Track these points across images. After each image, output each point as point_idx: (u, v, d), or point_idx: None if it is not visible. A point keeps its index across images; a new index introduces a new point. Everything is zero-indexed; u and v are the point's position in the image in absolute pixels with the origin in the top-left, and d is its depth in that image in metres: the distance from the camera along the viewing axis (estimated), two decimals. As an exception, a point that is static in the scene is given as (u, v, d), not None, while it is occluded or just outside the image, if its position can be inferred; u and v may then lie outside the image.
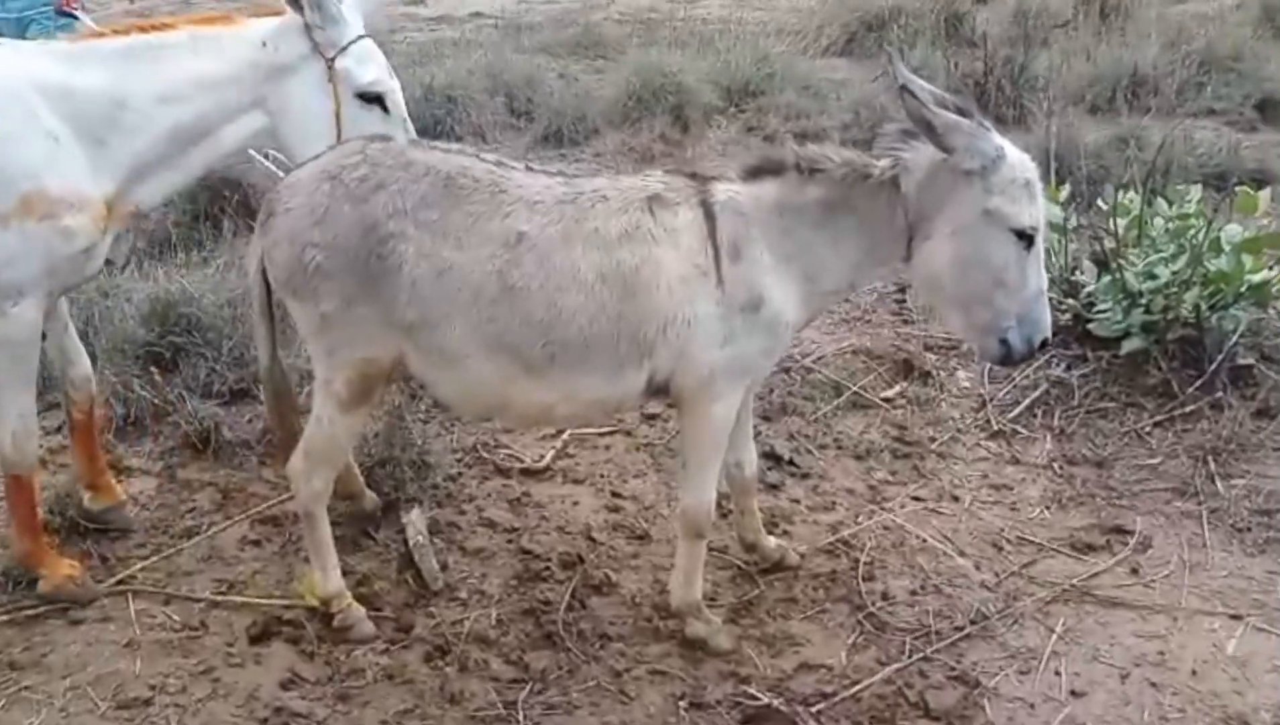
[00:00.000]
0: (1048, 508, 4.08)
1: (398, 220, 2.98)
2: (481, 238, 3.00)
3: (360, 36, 3.47)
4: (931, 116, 2.93)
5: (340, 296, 3.03)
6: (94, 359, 4.56)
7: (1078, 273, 5.05)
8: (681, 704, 3.19)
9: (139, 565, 3.70)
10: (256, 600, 3.54)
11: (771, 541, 3.73)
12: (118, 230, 3.44)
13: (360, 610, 3.41)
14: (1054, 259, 5.18)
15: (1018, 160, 3.01)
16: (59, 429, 3.95)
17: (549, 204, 3.05)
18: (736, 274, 3.04)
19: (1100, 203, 5.29)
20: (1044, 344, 3.17)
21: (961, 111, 3.01)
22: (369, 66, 3.46)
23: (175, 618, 3.49)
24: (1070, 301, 5.00)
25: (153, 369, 4.51)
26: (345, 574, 3.57)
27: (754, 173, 3.16)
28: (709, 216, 3.07)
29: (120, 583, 3.61)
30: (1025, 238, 3.01)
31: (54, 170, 3.17)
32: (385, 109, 3.49)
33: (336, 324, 3.07)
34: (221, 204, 6.08)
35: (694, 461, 3.28)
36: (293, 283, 3.09)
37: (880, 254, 3.21)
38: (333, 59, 3.41)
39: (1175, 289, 4.62)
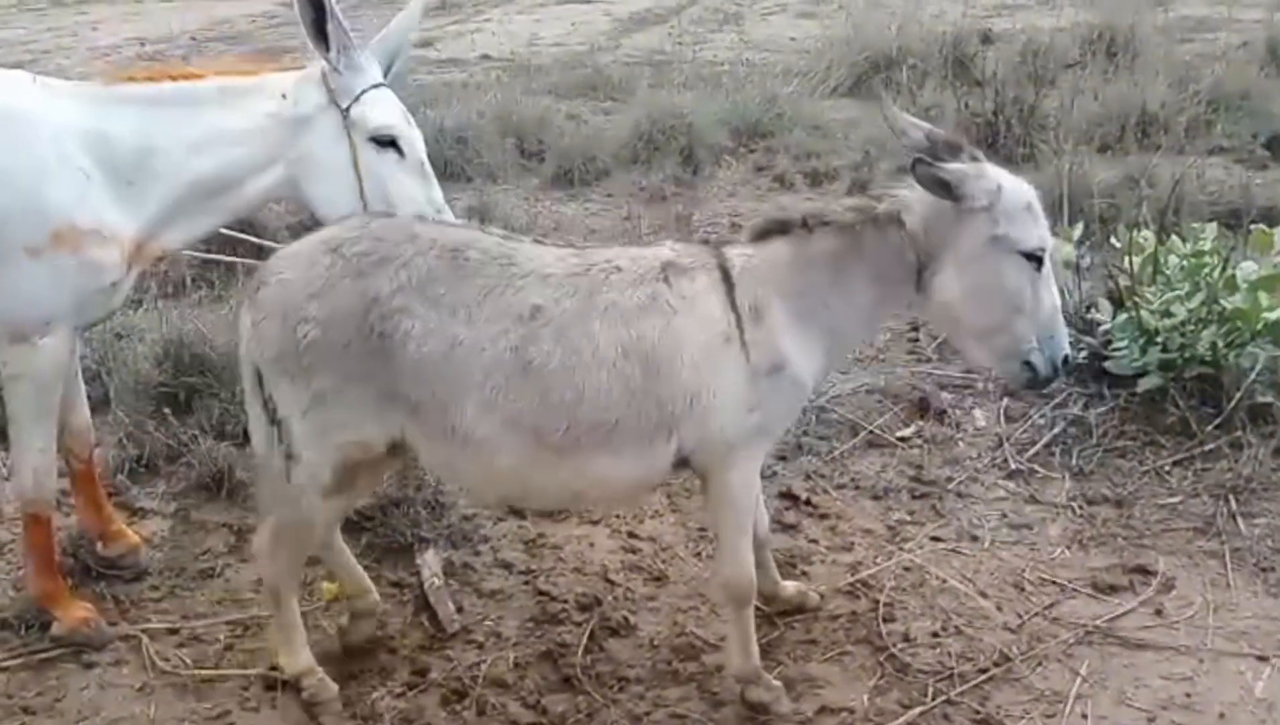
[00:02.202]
0: (1068, 547, 4.04)
1: (402, 295, 2.86)
2: (493, 312, 2.89)
3: (376, 85, 3.44)
4: (946, 176, 2.93)
5: (336, 374, 2.89)
6: (107, 400, 4.60)
7: (1093, 311, 5.04)
8: (702, 748, 3.15)
9: (153, 609, 3.67)
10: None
11: (790, 587, 3.69)
12: (141, 268, 3.45)
13: (332, 688, 3.25)
14: (1069, 297, 5.18)
15: (1014, 185, 3.03)
16: (67, 472, 3.93)
17: (561, 276, 2.95)
18: (759, 337, 2.99)
19: (1113, 241, 5.28)
20: (1065, 360, 3.16)
21: (953, 147, 3.04)
22: (380, 110, 3.41)
23: (189, 661, 3.45)
24: (1086, 339, 4.99)
25: (166, 410, 4.50)
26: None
27: (762, 234, 3.13)
28: (727, 282, 3.02)
29: (135, 625, 3.58)
30: (1035, 259, 3.01)
31: (84, 206, 3.20)
32: (401, 152, 3.44)
33: (330, 404, 2.92)
34: (235, 245, 6.08)
35: (727, 532, 3.18)
36: (283, 360, 2.93)
37: (893, 295, 3.19)
38: (348, 107, 3.38)
39: (1192, 327, 4.60)
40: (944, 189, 2.95)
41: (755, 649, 3.26)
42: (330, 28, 3.33)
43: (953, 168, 2.96)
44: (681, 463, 3.08)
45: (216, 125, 3.34)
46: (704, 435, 3.00)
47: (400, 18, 3.63)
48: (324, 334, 2.87)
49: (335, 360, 2.88)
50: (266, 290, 2.96)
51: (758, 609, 3.65)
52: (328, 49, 3.35)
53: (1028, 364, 3.10)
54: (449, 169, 7.90)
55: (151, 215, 3.32)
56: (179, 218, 3.38)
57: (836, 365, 4.30)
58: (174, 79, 3.40)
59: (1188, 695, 3.33)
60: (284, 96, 3.39)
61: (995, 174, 3.03)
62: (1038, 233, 3.02)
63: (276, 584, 3.19)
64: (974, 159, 3.04)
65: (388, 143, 3.41)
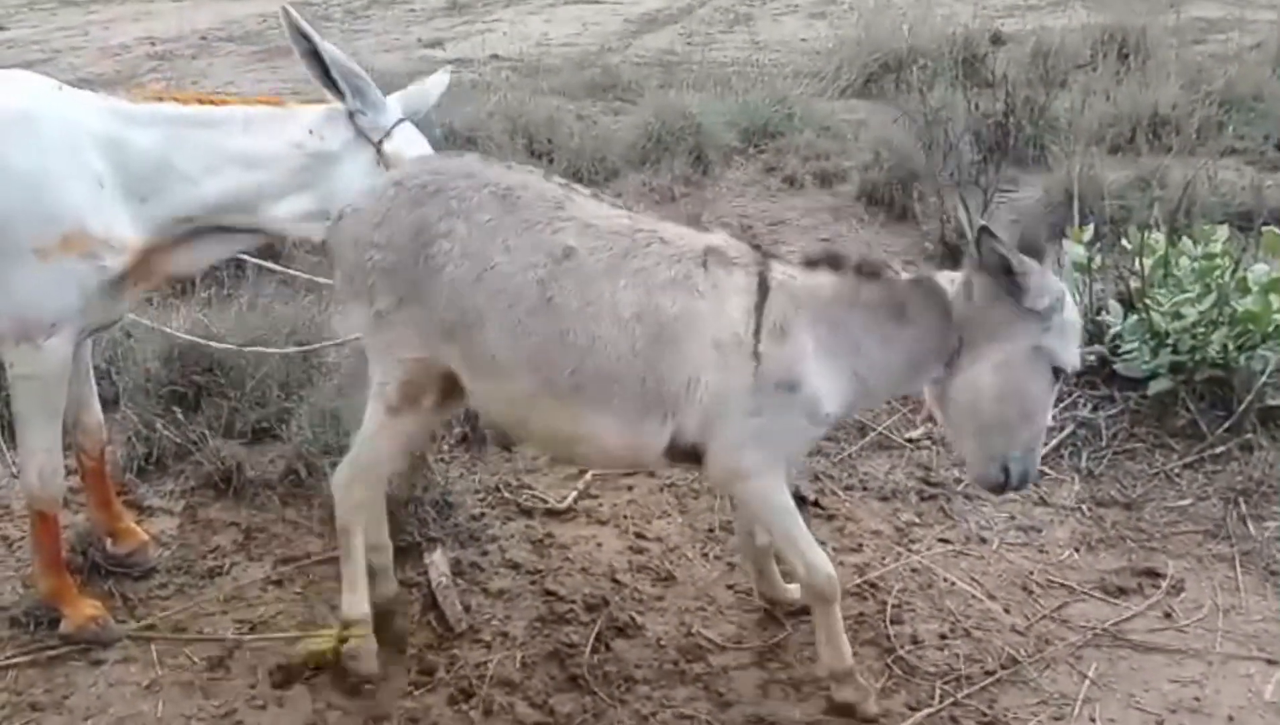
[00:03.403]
0: (1077, 550, 4.03)
1: (448, 220, 3.03)
2: (530, 244, 2.99)
3: (401, 120, 3.50)
4: (1013, 261, 2.91)
5: (393, 295, 3.10)
6: (116, 399, 4.62)
7: (1103, 313, 5.02)
8: (709, 749, 3.14)
9: (161, 607, 3.68)
10: (281, 634, 3.52)
11: (794, 589, 3.65)
12: (150, 286, 3.47)
13: (373, 645, 3.34)
14: (1079, 299, 5.16)
15: (1071, 304, 3.05)
16: (78, 469, 3.95)
17: (603, 230, 3.03)
18: (777, 353, 2.98)
19: (1124, 242, 5.27)
20: (1031, 478, 3.21)
21: (1034, 245, 3.02)
22: (416, 146, 3.48)
23: (197, 659, 3.45)
24: (1096, 342, 4.97)
25: (175, 408, 4.51)
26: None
27: (814, 263, 3.13)
28: (762, 289, 3.02)
29: (142, 623, 3.59)
30: (1058, 375, 3.05)
31: (97, 212, 3.21)
32: None
33: (390, 323, 3.13)
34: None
35: (779, 540, 3.18)
36: (354, 283, 3.18)
37: (925, 368, 3.16)
38: (379, 142, 3.44)
39: (1202, 329, 4.59)
40: (1004, 272, 2.92)
41: (847, 647, 3.22)
42: (334, 75, 3.39)
43: (1023, 259, 2.94)
44: (686, 456, 3.08)
45: (236, 148, 3.36)
46: (706, 426, 3.01)
47: (428, 81, 3.73)
48: (383, 257, 3.09)
49: (391, 281, 3.09)
50: (343, 221, 3.21)
51: (766, 609, 3.67)
52: (341, 94, 3.41)
53: (1005, 469, 3.11)
54: (458, 169, 7.91)
55: (163, 232, 3.34)
56: (191, 239, 3.41)
57: (859, 410, 4.17)
58: (201, 102, 3.43)
59: (1196, 699, 3.32)
60: (310, 131, 3.41)
61: (1060, 286, 3.03)
62: (1073, 352, 3.05)
63: (348, 522, 3.31)
64: (1046, 260, 3.04)
65: None
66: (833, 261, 3.12)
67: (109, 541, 3.82)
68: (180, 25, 15.17)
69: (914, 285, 3.11)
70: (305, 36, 3.39)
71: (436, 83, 3.74)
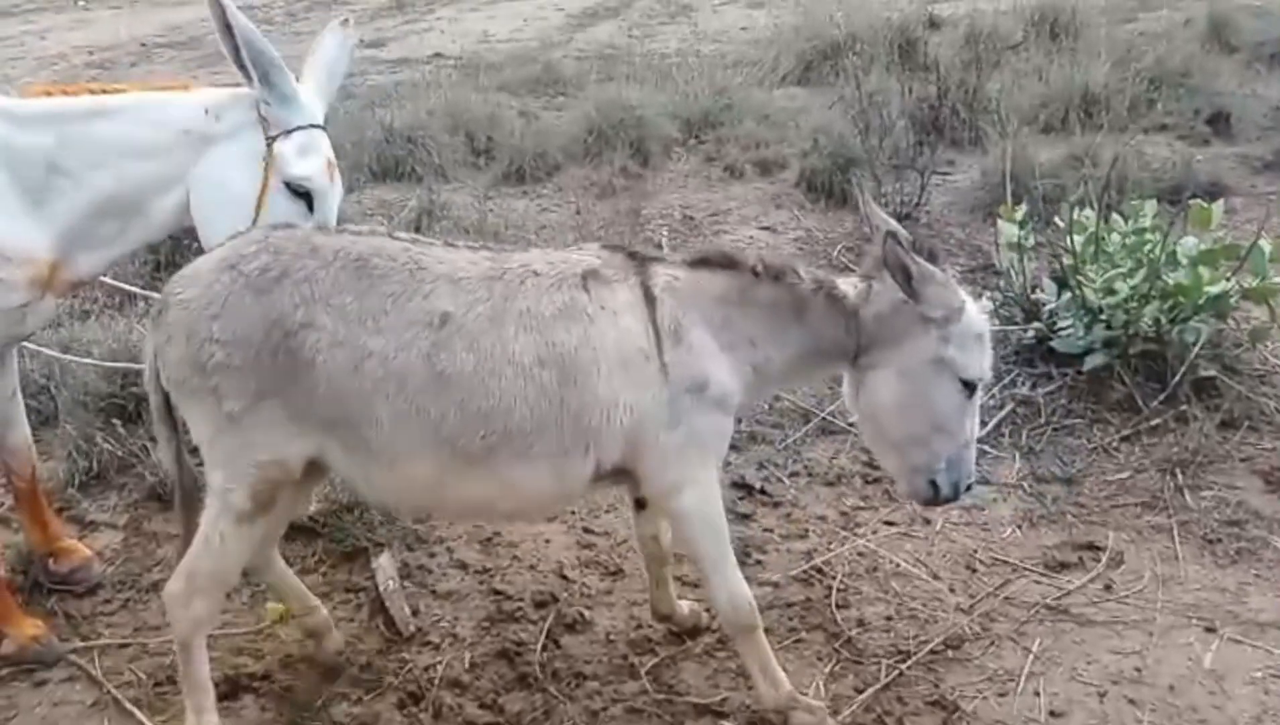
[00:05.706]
0: (1019, 527, 4.09)
1: (306, 309, 2.76)
2: (402, 320, 2.78)
3: (314, 125, 3.22)
4: (911, 265, 2.89)
5: (246, 394, 2.78)
6: (55, 414, 4.56)
7: (1038, 291, 5.09)
8: (659, 741, 3.16)
9: (106, 623, 3.64)
10: (228, 644, 3.48)
11: (684, 607, 3.57)
12: (59, 296, 3.30)
13: None
14: (1014, 278, 5.23)
15: (975, 313, 3.01)
16: (10, 490, 3.89)
17: (474, 280, 2.86)
18: (679, 357, 2.91)
19: (1057, 221, 5.34)
20: (968, 488, 3.14)
21: (931, 253, 3.00)
22: (309, 160, 3.19)
23: (143, 674, 3.43)
24: (1033, 321, 5.03)
25: (115, 421, 4.47)
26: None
27: (702, 262, 3.07)
28: (649, 298, 2.94)
29: (87, 640, 3.55)
30: (969, 387, 3.01)
31: None
32: (310, 208, 3.22)
33: (242, 425, 2.81)
34: (183, 252, 6.04)
35: (703, 559, 3.05)
36: (190, 382, 2.82)
37: (825, 363, 3.19)
38: (274, 138, 3.16)
39: (1135, 303, 4.66)
40: (905, 278, 2.91)
41: (781, 675, 3.14)
42: (244, 57, 3.11)
43: (922, 263, 2.92)
44: (617, 475, 2.99)
45: (120, 140, 3.15)
46: (632, 455, 2.91)
47: (319, 47, 3.43)
48: (229, 355, 2.76)
49: (243, 380, 2.77)
50: (168, 313, 2.84)
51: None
52: (250, 79, 3.13)
53: (933, 483, 3.07)
54: (399, 169, 7.92)
55: (61, 237, 3.18)
56: (88, 242, 3.22)
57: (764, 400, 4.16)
58: (93, 94, 3.25)
59: (1137, 669, 3.37)
60: (206, 112, 3.19)
61: (962, 296, 3.00)
62: (980, 363, 3.01)
63: (189, 636, 2.98)
64: (944, 272, 3.00)
65: (302, 194, 3.21)
66: (725, 261, 3.07)
67: (50, 560, 3.77)
68: (118, 33, 14.97)
69: (814, 290, 3.06)
70: (220, 4, 3.05)
71: (331, 44, 3.42)
